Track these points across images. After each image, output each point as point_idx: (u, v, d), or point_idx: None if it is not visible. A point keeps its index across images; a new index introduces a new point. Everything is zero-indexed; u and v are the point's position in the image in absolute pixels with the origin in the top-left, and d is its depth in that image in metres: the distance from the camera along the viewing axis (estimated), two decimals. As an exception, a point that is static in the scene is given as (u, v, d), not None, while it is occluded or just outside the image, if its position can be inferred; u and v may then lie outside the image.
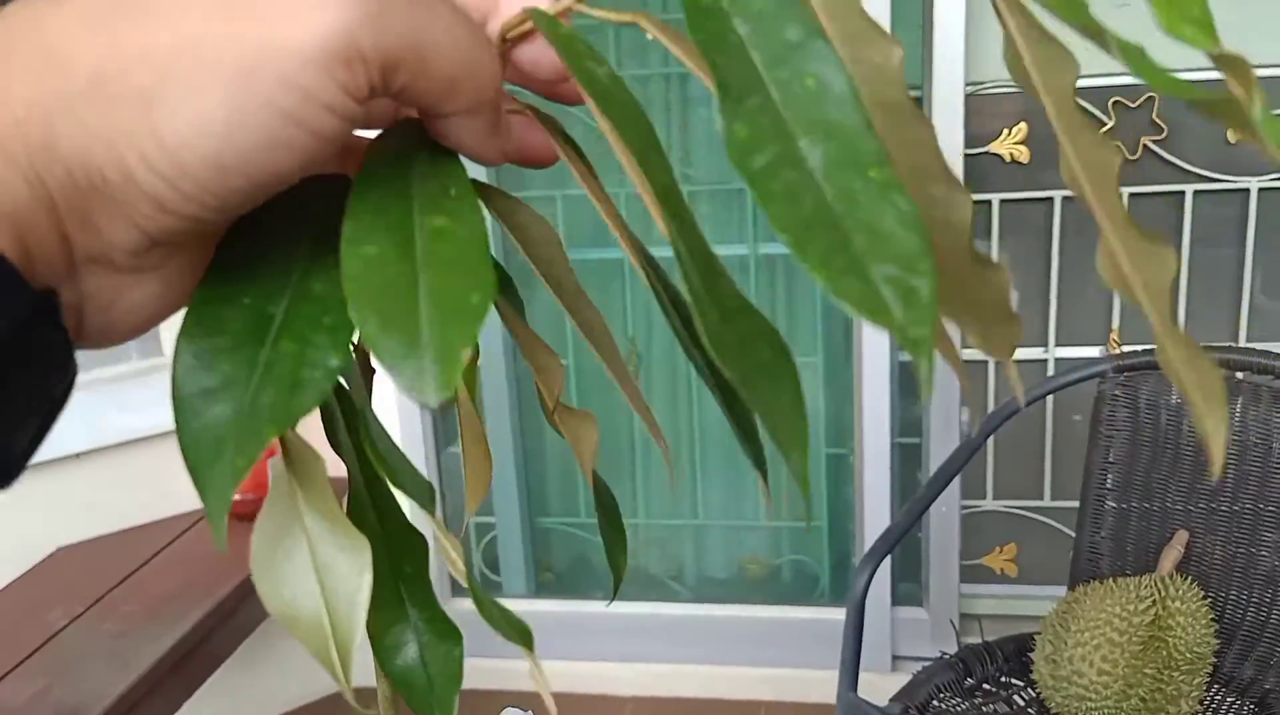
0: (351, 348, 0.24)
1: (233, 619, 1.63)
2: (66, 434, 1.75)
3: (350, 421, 0.31)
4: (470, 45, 0.25)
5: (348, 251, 0.23)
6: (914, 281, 0.21)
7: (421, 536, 0.34)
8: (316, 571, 0.26)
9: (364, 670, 0.26)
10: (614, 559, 0.37)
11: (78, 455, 1.77)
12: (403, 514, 0.33)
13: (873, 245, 0.21)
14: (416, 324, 0.21)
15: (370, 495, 0.32)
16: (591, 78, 0.25)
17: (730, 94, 0.23)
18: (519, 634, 0.28)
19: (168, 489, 1.86)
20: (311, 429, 0.28)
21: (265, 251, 0.25)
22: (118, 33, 0.22)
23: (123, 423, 1.80)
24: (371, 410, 0.32)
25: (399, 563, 0.33)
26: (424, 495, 0.30)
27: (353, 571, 0.26)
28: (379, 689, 0.35)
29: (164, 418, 1.71)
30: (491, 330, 1.97)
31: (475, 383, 0.38)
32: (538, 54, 0.27)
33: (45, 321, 0.23)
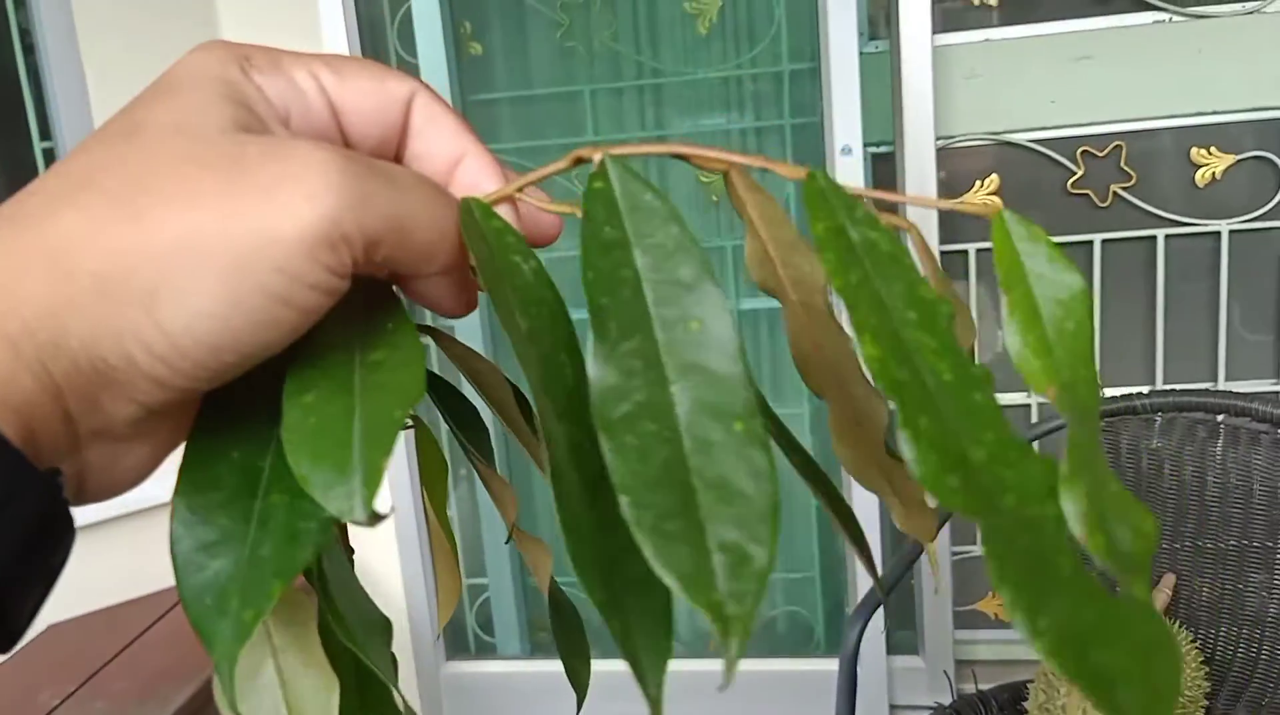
0: None
1: (225, 693, 1.62)
2: (56, 511, 1.74)
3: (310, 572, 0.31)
4: (445, 215, 0.26)
5: (288, 403, 0.24)
6: (751, 548, 0.21)
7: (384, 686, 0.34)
8: (286, 702, 0.27)
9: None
10: (575, 674, 0.37)
11: (67, 532, 1.76)
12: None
13: (718, 504, 0.21)
14: (349, 452, 0.22)
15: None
16: (515, 272, 0.26)
17: (608, 338, 0.23)
18: None
19: (156, 563, 1.86)
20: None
21: (249, 406, 0.26)
22: (118, 236, 0.23)
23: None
24: (339, 553, 0.32)
25: (365, 691, 0.33)
26: (378, 642, 0.31)
27: (320, 707, 0.27)
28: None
29: (151, 492, 1.72)
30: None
31: (444, 502, 0.39)
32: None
33: (50, 498, 0.24)
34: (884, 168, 1.91)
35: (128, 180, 0.24)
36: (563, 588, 0.38)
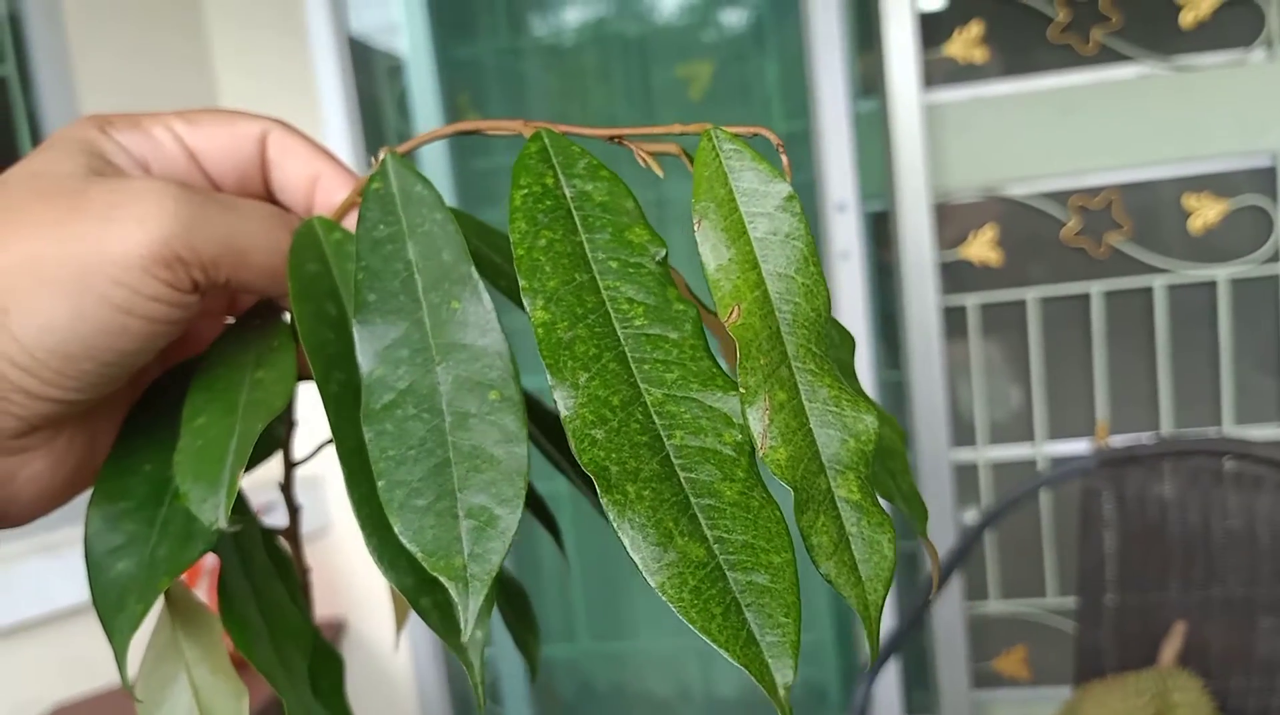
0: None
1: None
2: (57, 590, 1.75)
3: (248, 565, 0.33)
4: (284, 238, 0.29)
5: (184, 427, 0.26)
6: (498, 510, 0.22)
7: (338, 659, 0.36)
8: (195, 697, 0.28)
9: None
10: (526, 647, 0.38)
11: (70, 612, 1.76)
12: (319, 635, 0.35)
13: (470, 472, 0.23)
14: (221, 469, 0.24)
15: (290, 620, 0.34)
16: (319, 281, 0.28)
17: (374, 331, 0.25)
18: None
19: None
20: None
21: (163, 423, 0.28)
22: None
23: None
24: (264, 562, 0.34)
25: (316, 679, 0.34)
26: (292, 647, 0.32)
27: (229, 694, 0.28)
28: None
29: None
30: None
31: None
32: None
33: None
34: (881, 224, 1.93)
35: None
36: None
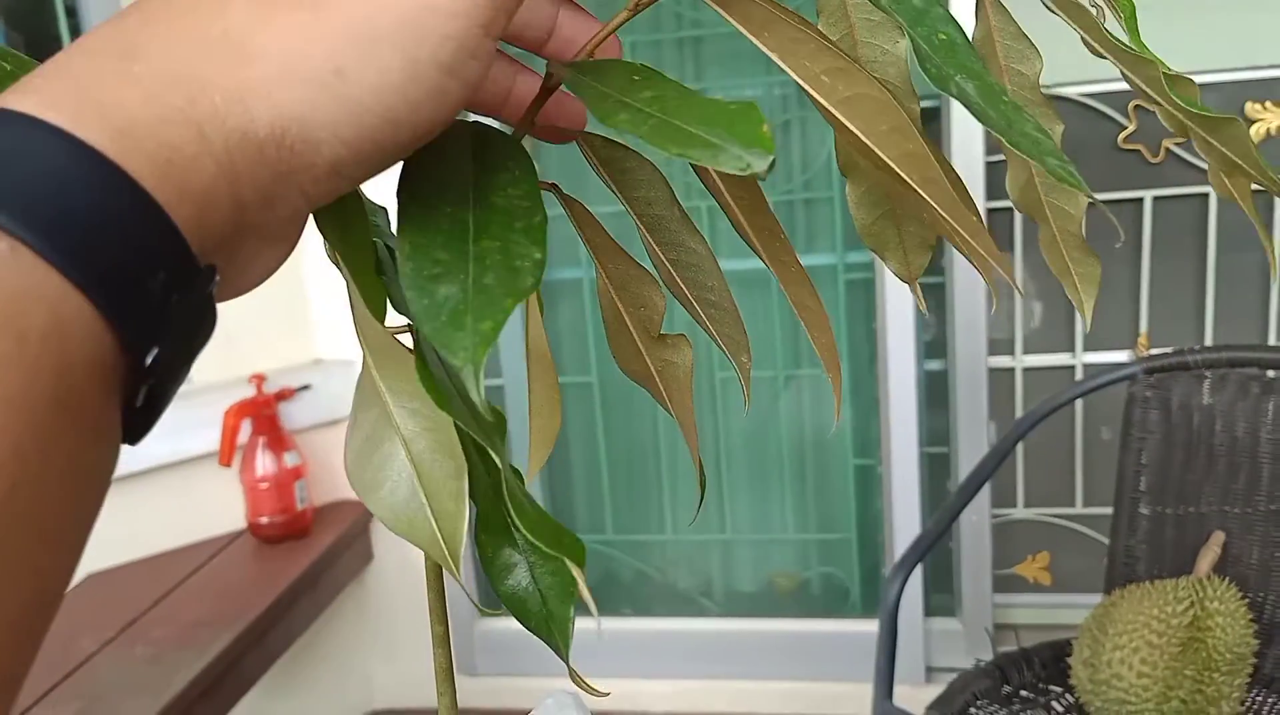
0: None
1: (263, 642, 1.63)
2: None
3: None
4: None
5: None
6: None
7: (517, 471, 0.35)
8: (416, 474, 0.27)
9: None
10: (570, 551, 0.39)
11: (107, 482, 1.78)
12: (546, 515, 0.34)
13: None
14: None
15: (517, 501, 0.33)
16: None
17: None
18: (569, 548, 0.28)
19: (195, 514, 1.87)
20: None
21: (442, 178, 0.28)
22: (296, 21, 0.25)
23: (150, 450, 1.81)
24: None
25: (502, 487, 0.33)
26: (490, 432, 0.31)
27: (449, 473, 0.27)
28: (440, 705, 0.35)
29: (192, 444, 1.72)
30: (515, 357, 1.98)
31: (542, 322, 0.38)
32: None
33: (207, 293, 0.25)
34: (930, 121, 1.87)
35: None
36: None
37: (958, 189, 0.28)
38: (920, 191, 0.26)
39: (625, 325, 0.35)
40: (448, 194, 0.28)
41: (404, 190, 0.28)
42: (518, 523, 0.26)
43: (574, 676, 0.32)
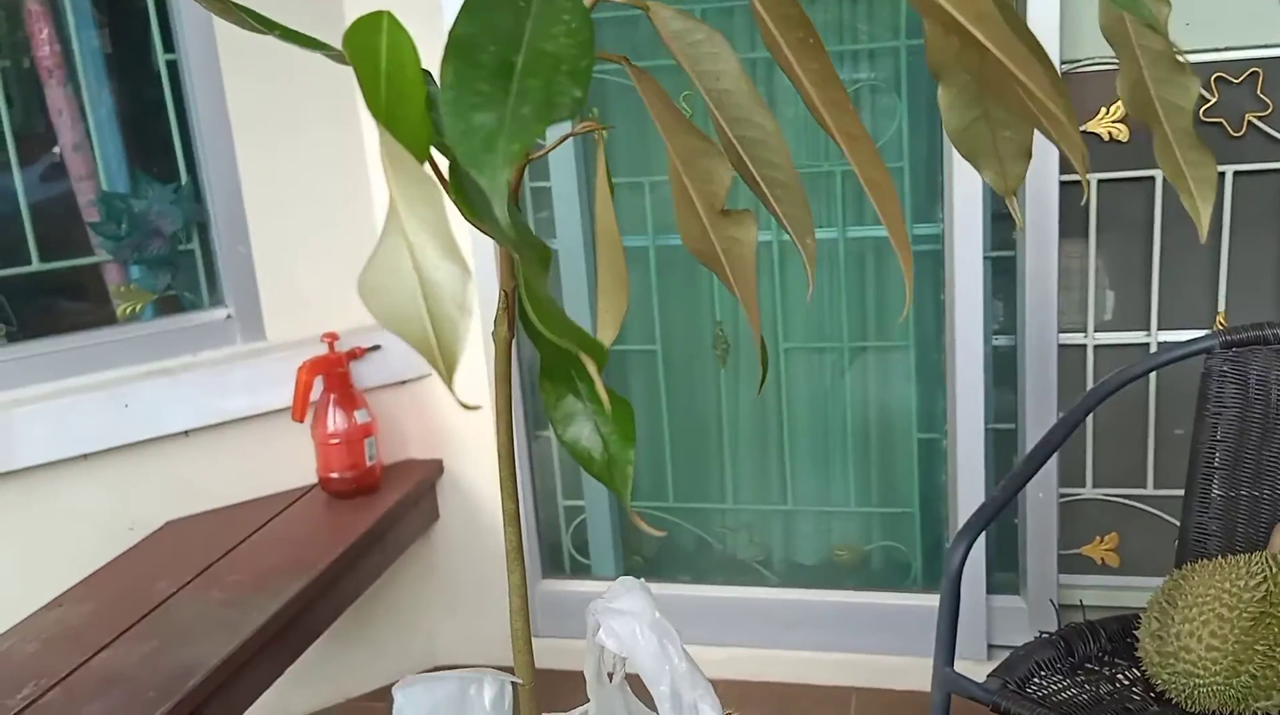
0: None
1: (331, 592, 1.67)
2: (170, 414, 1.81)
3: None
4: None
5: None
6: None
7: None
8: (419, 279, 0.28)
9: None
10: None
11: (186, 433, 1.83)
12: (570, 324, 0.35)
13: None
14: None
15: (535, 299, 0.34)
16: None
17: None
18: (587, 345, 0.29)
19: (269, 468, 1.92)
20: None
21: (497, 20, 0.29)
22: None
23: (227, 404, 1.86)
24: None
25: (566, 352, 0.34)
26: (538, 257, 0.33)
27: (455, 279, 0.28)
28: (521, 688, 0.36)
29: (266, 399, 1.76)
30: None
31: (610, 198, 0.39)
32: None
33: None
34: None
35: None
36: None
37: (1033, 48, 0.28)
38: (997, 52, 0.26)
39: (693, 204, 0.36)
40: (500, 36, 0.29)
41: (459, 27, 0.29)
42: (533, 316, 0.27)
43: (632, 516, 0.33)
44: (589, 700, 0.89)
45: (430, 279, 0.28)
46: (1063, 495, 1.93)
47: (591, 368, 0.31)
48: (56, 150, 1.86)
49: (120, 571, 1.69)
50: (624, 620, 0.69)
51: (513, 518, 0.36)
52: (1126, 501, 1.94)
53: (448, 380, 0.29)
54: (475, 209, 0.25)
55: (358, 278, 0.29)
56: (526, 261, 0.26)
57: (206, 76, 1.87)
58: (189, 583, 1.60)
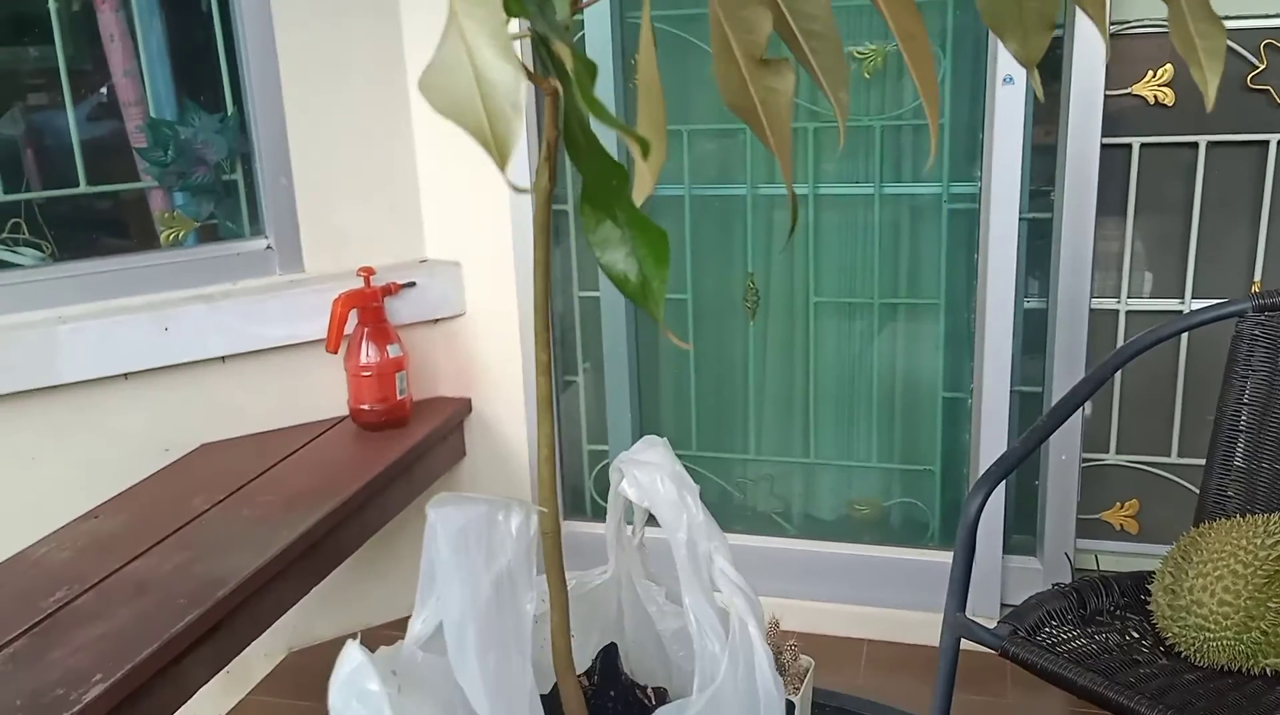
0: None
1: (359, 517, 1.71)
2: (211, 340, 1.85)
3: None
4: None
5: None
6: None
7: (621, 166, 0.37)
8: (477, 80, 0.29)
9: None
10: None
11: (223, 359, 1.87)
12: (608, 153, 0.36)
13: None
14: None
15: (581, 128, 0.35)
16: None
17: None
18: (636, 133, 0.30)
19: (302, 397, 1.96)
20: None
21: None
22: None
23: (264, 332, 1.90)
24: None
25: (606, 178, 0.35)
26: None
27: (509, 78, 0.29)
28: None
29: (301, 329, 1.80)
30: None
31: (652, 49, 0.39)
32: None
33: None
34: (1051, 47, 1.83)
35: None
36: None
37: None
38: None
39: (733, 56, 0.37)
40: None
41: None
42: (586, 108, 0.28)
43: (664, 330, 0.35)
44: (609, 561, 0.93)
45: (486, 79, 0.29)
46: (1086, 460, 1.94)
47: (642, 167, 0.32)
48: (107, 75, 1.89)
49: (155, 488, 1.74)
50: (646, 470, 0.73)
51: (545, 369, 0.38)
52: (1149, 469, 1.94)
53: (501, 165, 0.31)
54: (525, 6, 0.27)
55: (418, 79, 0.31)
56: (577, 58, 0.27)
57: (257, 9, 1.89)
58: (221, 501, 1.64)
